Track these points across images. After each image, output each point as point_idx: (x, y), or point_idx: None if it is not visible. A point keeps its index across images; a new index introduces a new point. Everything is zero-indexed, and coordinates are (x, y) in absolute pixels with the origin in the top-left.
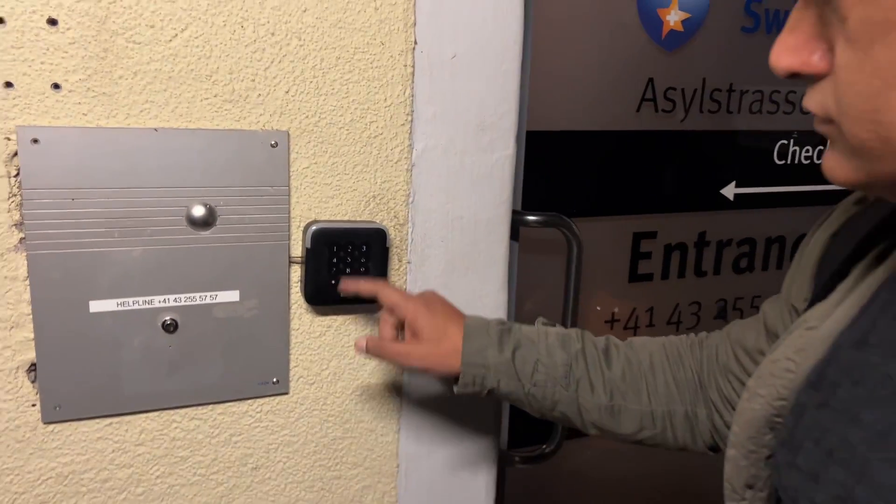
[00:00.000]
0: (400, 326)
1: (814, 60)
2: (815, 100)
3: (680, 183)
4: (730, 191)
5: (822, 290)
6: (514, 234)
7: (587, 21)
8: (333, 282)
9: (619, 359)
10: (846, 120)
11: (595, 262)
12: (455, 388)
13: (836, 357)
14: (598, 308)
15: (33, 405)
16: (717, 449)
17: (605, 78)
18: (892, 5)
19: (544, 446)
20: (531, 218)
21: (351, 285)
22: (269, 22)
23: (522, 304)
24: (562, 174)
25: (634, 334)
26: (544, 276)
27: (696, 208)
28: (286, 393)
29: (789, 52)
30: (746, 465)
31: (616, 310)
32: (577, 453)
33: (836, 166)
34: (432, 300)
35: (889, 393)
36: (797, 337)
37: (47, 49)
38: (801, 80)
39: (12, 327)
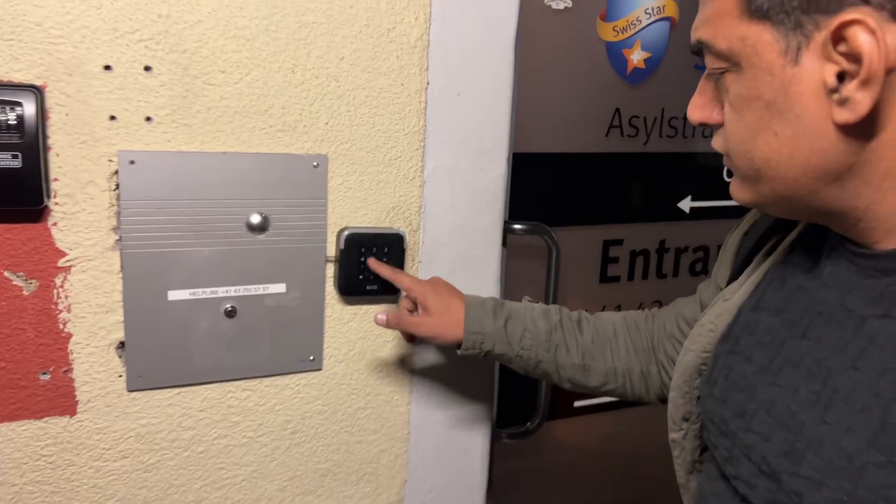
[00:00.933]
0: (414, 307)
1: (714, 115)
2: (717, 142)
3: (643, 197)
4: (686, 204)
5: (735, 273)
6: (503, 241)
7: (565, 61)
8: (361, 277)
9: (589, 328)
10: (733, 156)
11: (570, 266)
12: (458, 352)
13: (740, 318)
14: (572, 306)
15: (120, 376)
16: (665, 400)
17: (579, 108)
18: (753, 86)
19: (528, 424)
20: (517, 226)
21: (375, 266)
22: (313, 68)
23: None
24: (543, 189)
25: None
26: (528, 278)
27: (657, 219)
28: (320, 369)
29: (698, 109)
30: (682, 403)
31: (589, 307)
32: (556, 431)
33: (735, 189)
34: (438, 283)
35: (770, 339)
36: (717, 307)
37: (143, 90)
38: (707, 127)
39: (107, 311)
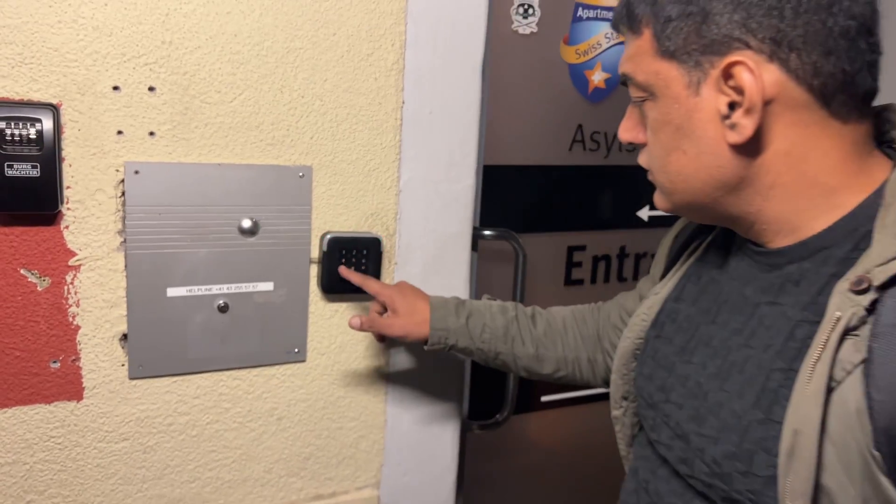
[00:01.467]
0: (383, 309)
1: (639, 136)
2: (642, 158)
3: (604, 206)
4: (644, 213)
5: (666, 270)
6: (474, 246)
7: (532, 82)
8: (342, 277)
9: (542, 321)
10: (653, 170)
11: (537, 270)
12: (425, 347)
13: (665, 308)
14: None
15: (123, 365)
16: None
17: (545, 124)
18: (665, 112)
19: (497, 416)
20: (487, 232)
21: (345, 273)
22: (300, 88)
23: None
24: (513, 199)
25: None
26: (499, 280)
27: (618, 227)
28: (304, 361)
29: (626, 131)
30: (621, 384)
31: None
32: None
33: (657, 199)
34: (404, 286)
35: (687, 325)
36: (649, 300)
37: (147, 108)
38: (635, 146)
39: (112, 306)
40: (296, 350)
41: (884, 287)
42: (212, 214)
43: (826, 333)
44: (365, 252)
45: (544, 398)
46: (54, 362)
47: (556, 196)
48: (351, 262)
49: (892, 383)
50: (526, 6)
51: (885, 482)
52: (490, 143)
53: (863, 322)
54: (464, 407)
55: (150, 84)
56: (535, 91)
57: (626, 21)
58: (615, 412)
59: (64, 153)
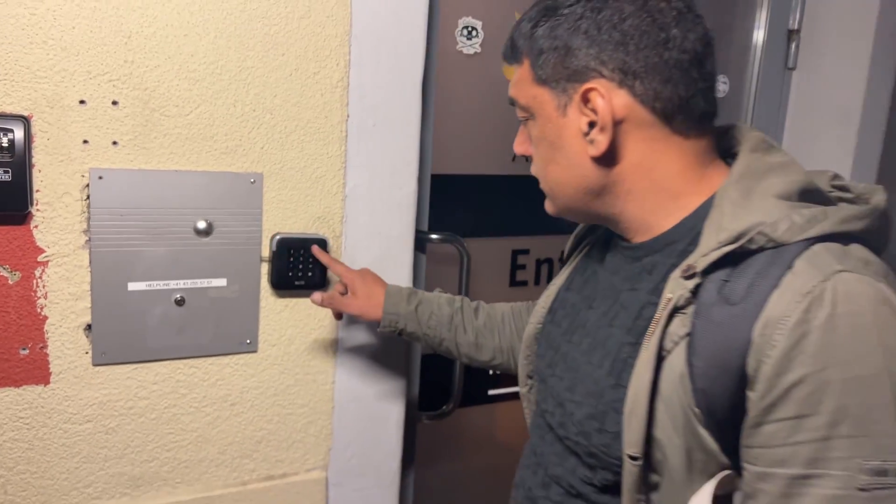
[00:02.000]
0: (345, 290)
1: (528, 150)
2: (532, 169)
3: (546, 213)
4: None
5: (564, 265)
6: (423, 249)
7: (477, 97)
8: (290, 274)
9: (483, 313)
10: (540, 180)
11: (484, 272)
12: (378, 329)
13: (558, 297)
14: None
15: (87, 353)
16: None
17: (490, 137)
18: (542, 130)
19: (444, 407)
20: (433, 236)
21: (317, 252)
22: (251, 103)
23: None
24: (462, 205)
25: None
26: (446, 281)
27: (559, 232)
28: (255, 351)
29: (519, 145)
30: (525, 364)
31: None
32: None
33: (546, 204)
34: (366, 272)
35: (572, 311)
36: (548, 290)
37: (110, 120)
38: (527, 158)
39: (77, 299)
40: (248, 341)
41: (706, 273)
42: (170, 216)
43: (660, 312)
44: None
45: (491, 392)
46: (23, 349)
47: (502, 203)
48: (299, 262)
49: (708, 352)
50: (470, 28)
51: (703, 433)
52: (439, 154)
53: (689, 302)
54: (412, 398)
55: (114, 98)
56: (481, 106)
57: (510, 53)
58: (522, 390)
59: (34, 160)
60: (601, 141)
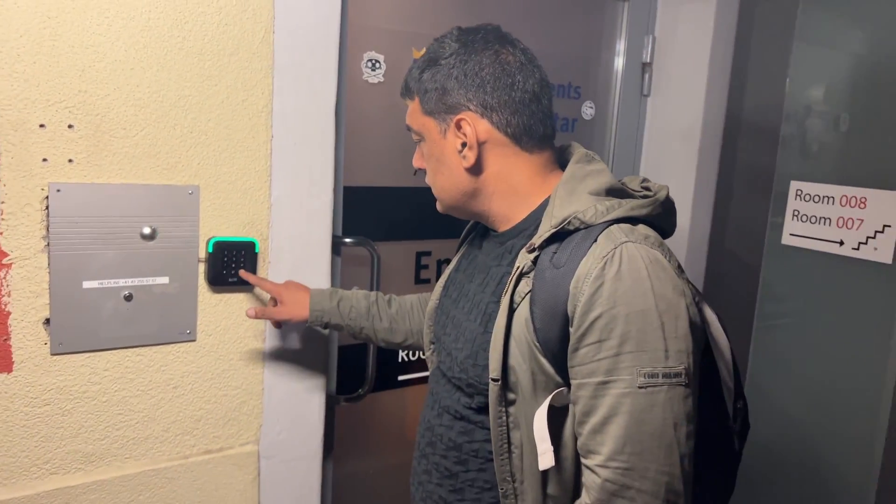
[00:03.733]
0: (275, 302)
1: (423, 164)
2: (426, 179)
3: (446, 219)
4: None
5: (456, 253)
6: (338, 251)
7: (384, 120)
8: (224, 272)
9: (395, 303)
10: (432, 187)
11: (392, 272)
12: (307, 323)
13: (451, 277)
14: None
15: (45, 343)
16: None
17: (397, 153)
18: (430, 149)
19: (360, 391)
20: (347, 240)
21: (245, 275)
22: (189, 126)
23: None
24: (373, 213)
25: None
26: (359, 279)
27: (457, 236)
28: (194, 340)
29: (416, 161)
30: (428, 332)
31: None
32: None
33: (437, 205)
34: (290, 283)
35: (459, 285)
36: (444, 273)
37: (67, 141)
38: (420, 171)
39: (37, 296)
40: (188, 331)
41: (542, 248)
42: (119, 223)
43: (511, 277)
44: (243, 253)
45: (401, 377)
46: None
47: (407, 211)
48: (232, 261)
49: (543, 302)
50: (374, 61)
51: (542, 360)
52: (352, 169)
53: (531, 269)
54: (331, 383)
55: (70, 122)
56: (386, 127)
57: (405, 91)
58: (426, 354)
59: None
60: (470, 156)
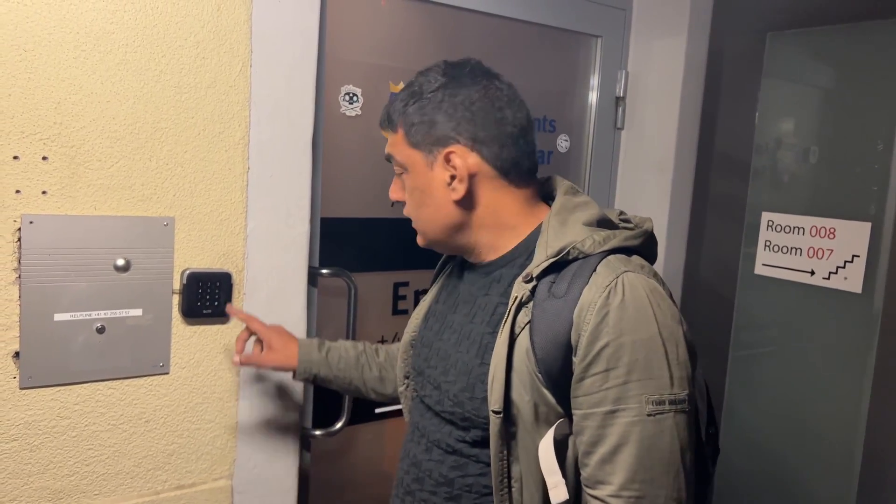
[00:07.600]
0: (261, 346)
1: (402, 196)
2: (405, 210)
3: (423, 250)
4: None
5: (431, 286)
6: (313, 282)
7: (361, 152)
8: (199, 304)
9: (383, 352)
10: (413, 220)
11: (369, 302)
12: (294, 377)
13: (430, 309)
14: (372, 332)
15: (14, 377)
16: None
17: (374, 185)
18: (414, 182)
19: (336, 425)
20: (324, 271)
21: (231, 310)
22: (165, 158)
23: (324, 326)
24: (351, 244)
25: None
26: (336, 310)
27: (434, 267)
28: (168, 373)
29: (394, 192)
30: (403, 366)
31: (384, 334)
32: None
33: (418, 239)
34: (279, 329)
35: (441, 317)
36: (421, 306)
37: (41, 173)
38: (400, 203)
39: (7, 329)
40: (161, 364)
41: (539, 277)
42: (92, 255)
43: (510, 307)
44: (218, 284)
45: (378, 410)
46: None
47: (384, 242)
48: (206, 293)
49: (544, 332)
50: (351, 94)
51: (544, 391)
52: (329, 200)
53: (529, 299)
54: (307, 416)
55: (44, 154)
56: (363, 159)
57: (386, 123)
58: (400, 388)
59: None
60: (460, 189)
